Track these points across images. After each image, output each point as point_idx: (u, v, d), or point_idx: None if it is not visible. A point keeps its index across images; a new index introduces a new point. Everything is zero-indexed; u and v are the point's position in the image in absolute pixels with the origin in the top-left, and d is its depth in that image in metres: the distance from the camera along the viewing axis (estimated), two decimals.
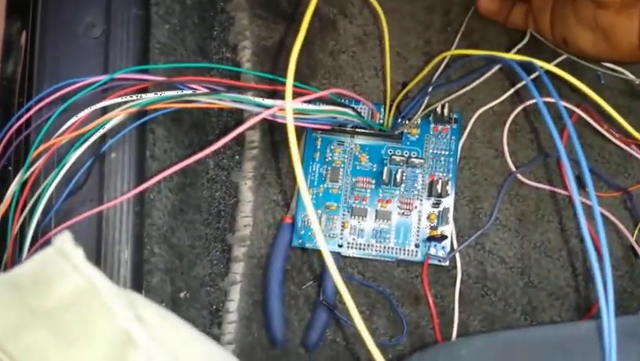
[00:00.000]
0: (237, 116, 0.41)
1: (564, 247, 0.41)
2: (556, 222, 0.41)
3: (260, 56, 0.42)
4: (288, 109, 0.22)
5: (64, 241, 0.18)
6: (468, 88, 0.41)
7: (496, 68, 0.41)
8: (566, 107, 0.40)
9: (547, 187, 0.41)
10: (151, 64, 0.35)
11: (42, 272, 0.18)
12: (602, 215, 0.40)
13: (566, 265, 0.40)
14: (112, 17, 0.35)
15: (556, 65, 0.41)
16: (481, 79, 0.41)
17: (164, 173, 0.29)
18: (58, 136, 0.32)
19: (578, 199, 0.21)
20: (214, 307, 0.40)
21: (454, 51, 0.31)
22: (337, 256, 0.39)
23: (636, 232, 0.40)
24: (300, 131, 0.41)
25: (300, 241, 0.39)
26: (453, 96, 0.40)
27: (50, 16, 0.36)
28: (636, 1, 0.31)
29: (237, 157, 0.41)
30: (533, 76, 0.26)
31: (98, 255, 0.32)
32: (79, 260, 0.18)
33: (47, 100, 0.33)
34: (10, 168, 0.35)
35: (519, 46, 0.39)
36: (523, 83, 0.26)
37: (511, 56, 0.27)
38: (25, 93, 0.36)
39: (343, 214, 0.40)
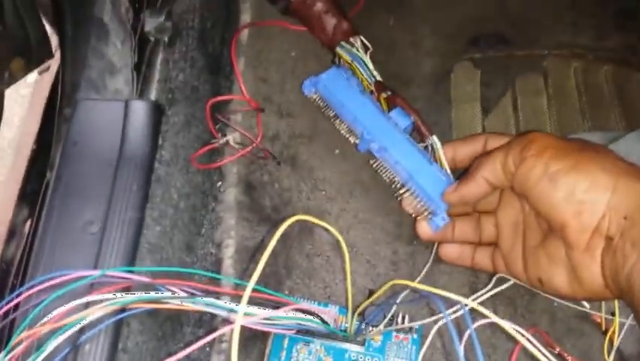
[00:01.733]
0: None
1: None
2: None
3: (241, 254, 0.46)
4: (238, 319, 0.26)
5: None
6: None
7: None
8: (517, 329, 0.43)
9: None
10: (138, 261, 0.39)
11: None
12: None
13: None
14: (109, 217, 0.39)
15: None
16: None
17: None
18: (41, 325, 0.35)
19: None
20: None
21: (397, 281, 0.36)
22: None
23: None
24: None
25: None
26: (417, 311, 0.43)
27: (55, 209, 0.40)
28: (597, 246, 0.32)
29: (207, 349, 0.43)
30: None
31: None
32: None
33: (37, 288, 0.36)
34: None
35: (483, 291, 0.43)
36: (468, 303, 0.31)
37: (442, 293, 0.30)
38: (21, 276, 0.40)
39: None
